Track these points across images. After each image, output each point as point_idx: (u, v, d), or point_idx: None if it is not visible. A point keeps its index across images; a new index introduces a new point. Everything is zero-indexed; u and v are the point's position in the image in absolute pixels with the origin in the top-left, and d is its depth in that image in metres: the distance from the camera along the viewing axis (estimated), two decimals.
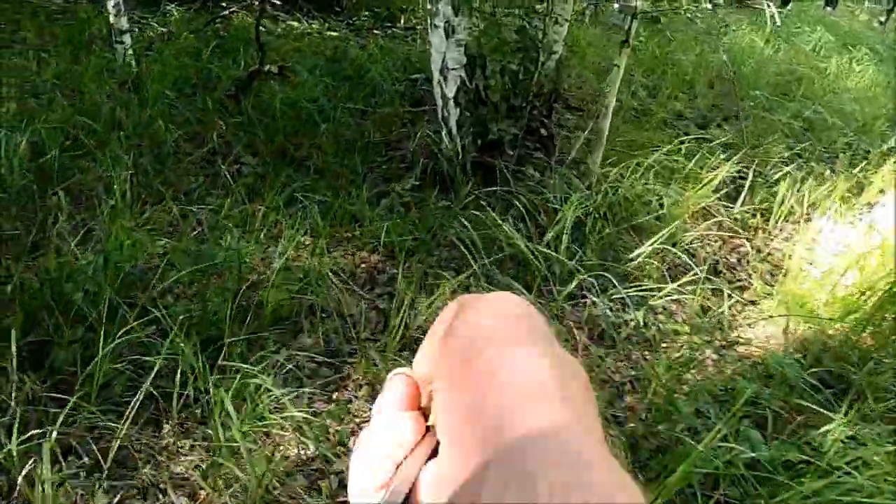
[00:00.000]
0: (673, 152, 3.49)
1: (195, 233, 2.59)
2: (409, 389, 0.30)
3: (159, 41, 5.26)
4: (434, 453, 0.26)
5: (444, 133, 3.11)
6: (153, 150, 3.13)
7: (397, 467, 0.27)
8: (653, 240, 2.26)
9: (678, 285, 2.17)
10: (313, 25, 6.88)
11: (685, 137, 3.74)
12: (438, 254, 2.59)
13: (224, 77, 4.08)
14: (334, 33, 6.56)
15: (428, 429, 0.28)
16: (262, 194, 2.95)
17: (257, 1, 6.74)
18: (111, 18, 4.16)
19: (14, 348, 1.72)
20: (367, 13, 7.21)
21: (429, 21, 2.94)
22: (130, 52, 4.20)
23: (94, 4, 5.63)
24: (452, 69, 2.91)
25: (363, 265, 2.61)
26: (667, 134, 4.26)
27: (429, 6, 2.89)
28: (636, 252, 2.27)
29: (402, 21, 7.62)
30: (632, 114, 4.63)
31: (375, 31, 7.01)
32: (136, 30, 5.30)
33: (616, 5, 7.27)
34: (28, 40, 4.95)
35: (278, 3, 7.09)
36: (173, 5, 6.19)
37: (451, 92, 2.96)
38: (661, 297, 2.17)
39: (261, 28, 4.86)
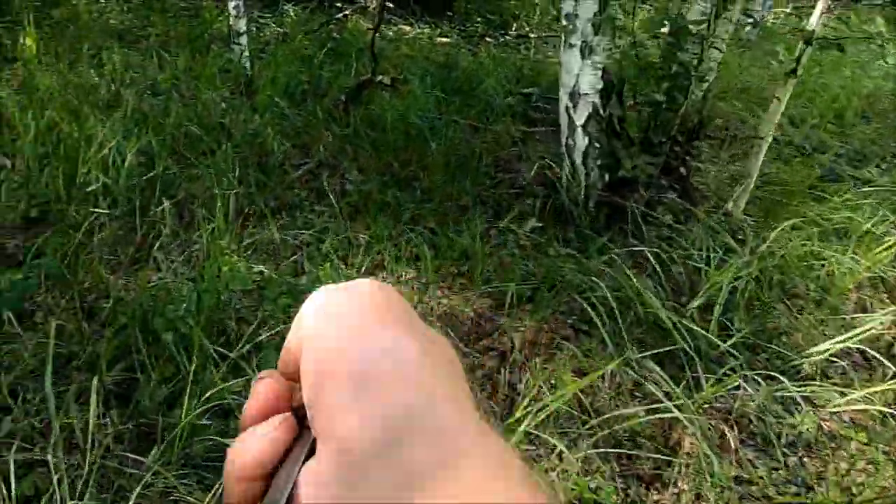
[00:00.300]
0: (828, 198, 2.99)
1: (294, 256, 2.43)
2: (276, 391, 0.29)
3: (274, 42, 5.27)
4: (312, 452, 0.24)
5: (566, 163, 2.79)
6: (260, 161, 3.03)
7: (271, 477, 0.26)
8: (844, 336, 1.83)
9: (866, 392, 1.74)
10: (425, 31, 6.73)
11: (845, 185, 3.21)
12: (555, 306, 2.27)
13: (335, 85, 3.96)
14: (446, 39, 6.37)
15: (304, 428, 0.27)
16: (366, 215, 2.76)
17: (372, 4, 6.71)
18: (231, 20, 4.16)
19: (98, 381, 1.59)
20: (479, 20, 6.97)
21: (562, 38, 2.63)
22: (246, 53, 4.18)
23: (218, 3, 5.78)
24: (585, 94, 2.58)
25: (468, 309, 2.34)
26: (815, 171, 3.70)
27: (564, 22, 2.57)
28: (818, 348, 1.85)
29: (514, 28, 7.34)
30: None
31: (487, 39, 6.76)
32: (254, 29, 5.35)
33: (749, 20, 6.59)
34: (153, 37, 5.10)
35: (391, 5, 7.02)
36: (290, 5, 6.23)
37: (580, 119, 2.63)
38: (842, 406, 1.74)
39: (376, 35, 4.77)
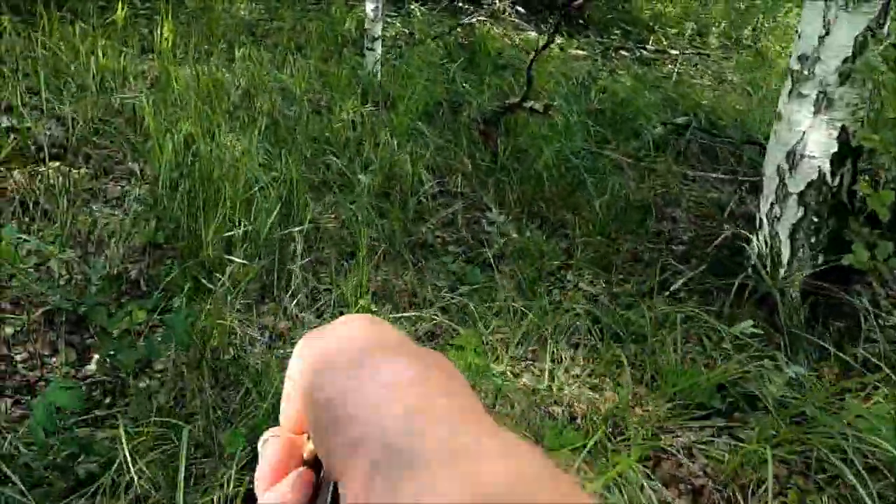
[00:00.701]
0: None
1: (430, 326, 2.08)
2: (283, 449, 0.28)
3: (403, 45, 4.99)
4: (336, 498, 0.24)
5: (762, 233, 2.29)
6: (398, 191, 2.70)
7: None
8: None
9: None
10: (557, 40, 6.28)
11: None
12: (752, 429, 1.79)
13: (474, 104, 3.59)
14: (581, 52, 5.89)
15: (321, 477, 0.26)
16: (513, 273, 2.38)
17: (503, 9, 6.32)
18: (366, 23, 3.88)
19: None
20: (616, 31, 6.42)
21: (788, 84, 2.12)
22: (379, 60, 3.90)
23: (349, 0, 5.57)
24: (810, 156, 2.07)
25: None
26: None
27: (795, 66, 2.07)
28: None
29: (652, 42, 6.74)
30: None
31: (623, 52, 6.23)
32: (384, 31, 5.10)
33: None
34: (282, 31, 4.95)
35: (521, 10, 6.59)
36: (416, 4, 5.94)
37: (797, 185, 2.12)
38: None
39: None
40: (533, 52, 3.24)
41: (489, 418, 0.23)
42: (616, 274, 2.47)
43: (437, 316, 2.10)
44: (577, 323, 2.09)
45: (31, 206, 2.42)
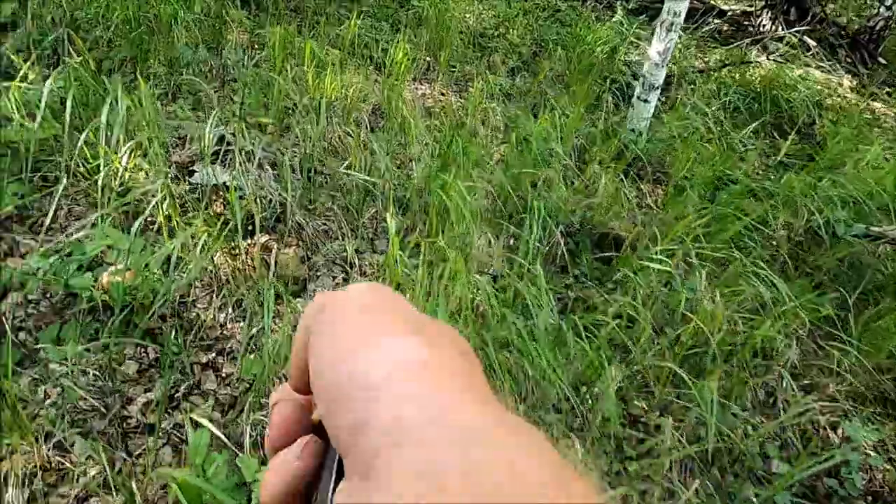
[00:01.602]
0: None
1: None
2: (292, 414, 0.27)
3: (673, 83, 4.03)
4: (341, 471, 0.22)
5: None
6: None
7: (308, 500, 0.26)
8: None
9: None
10: (842, 80, 4.91)
11: None
12: None
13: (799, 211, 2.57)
14: (879, 106, 4.51)
15: (328, 446, 0.26)
16: None
17: (781, 38, 5.06)
18: (646, 67, 3.01)
19: None
20: None
21: None
22: (650, 116, 3.02)
23: (600, 11, 4.65)
24: None
25: None
26: None
27: None
28: None
29: None
30: None
31: None
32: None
33: None
34: (517, 49, 4.22)
35: (806, 41, 5.24)
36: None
37: None
38: None
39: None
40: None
41: (496, 401, 0.22)
42: None
43: None
44: None
45: (232, 306, 1.94)
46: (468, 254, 2.04)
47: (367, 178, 2.38)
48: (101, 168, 2.06)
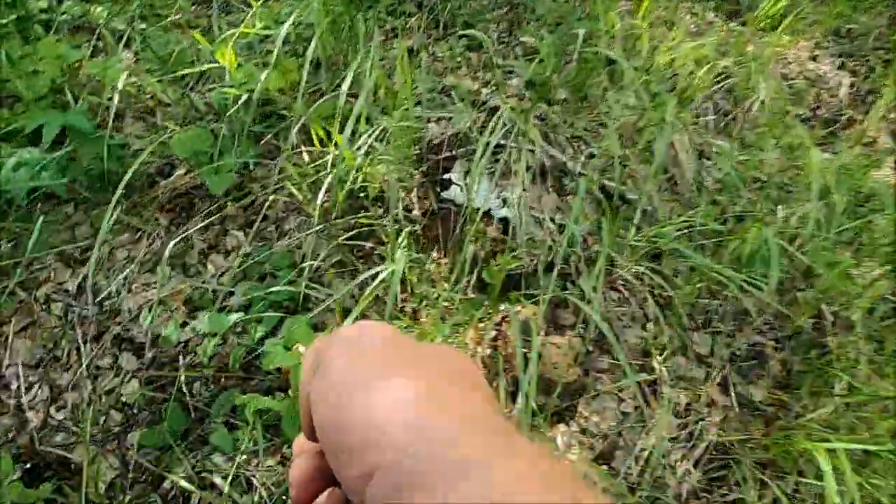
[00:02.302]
0: None
1: None
2: (311, 469, 0.27)
3: None
4: None
5: None
6: None
7: None
8: None
9: None
10: None
11: None
12: None
13: None
14: None
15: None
16: None
17: None
18: None
19: None
20: None
21: None
22: None
23: None
24: None
25: None
26: None
27: None
28: None
29: None
30: None
31: None
32: None
33: None
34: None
35: None
36: None
37: None
38: None
39: None
40: None
41: (498, 421, 0.22)
42: None
43: None
44: None
45: None
46: None
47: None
48: (329, 153, 1.43)
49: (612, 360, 1.38)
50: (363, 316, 1.32)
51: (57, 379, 1.37)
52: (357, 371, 0.24)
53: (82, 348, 1.41)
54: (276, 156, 1.64)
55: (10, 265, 1.54)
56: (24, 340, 1.43)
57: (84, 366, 1.38)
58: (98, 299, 1.49)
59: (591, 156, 1.66)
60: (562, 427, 1.32)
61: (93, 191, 1.62)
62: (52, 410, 1.33)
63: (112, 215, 1.39)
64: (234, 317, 1.22)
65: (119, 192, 1.40)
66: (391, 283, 1.01)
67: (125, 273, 1.52)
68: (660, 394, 1.34)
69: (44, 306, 1.49)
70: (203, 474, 1.23)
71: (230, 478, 1.18)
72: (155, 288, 1.48)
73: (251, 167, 1.65)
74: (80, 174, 1.59)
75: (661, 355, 1.38)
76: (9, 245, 1.57)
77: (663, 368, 1.35)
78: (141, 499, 1.21)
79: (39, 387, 1.36)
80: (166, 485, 1.23)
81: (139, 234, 1.61)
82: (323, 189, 1.37)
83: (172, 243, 1.46)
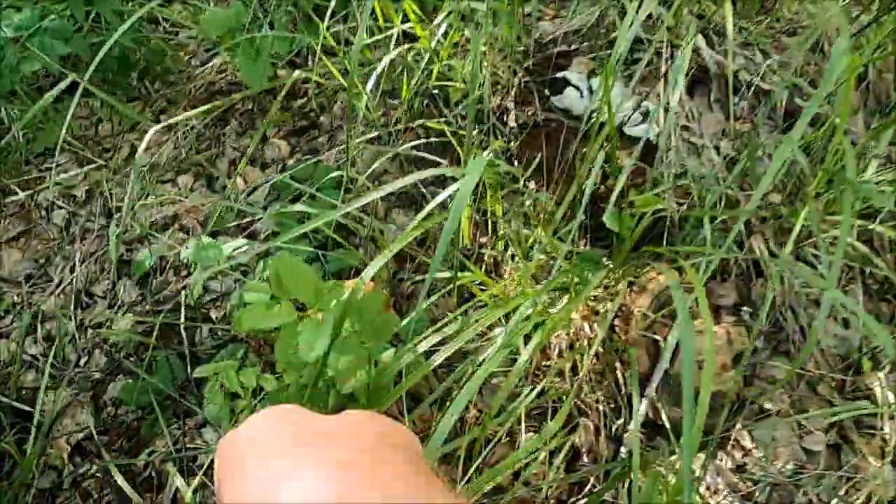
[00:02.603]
0: None
1: None
2: None
3: None
4: None
5: None
6: None
7: None
8: None
9: None
10: None
11: None
12: None
13: None
14: None
15: None
16: None
17: None
18: None
19: None
20: None
21: None
22: None
23: None
24: None
25: None
26: None
27: None
28: None
29: None
30: None
31: None
32: None
33: None
34: None
35: None
36: None
37: None
38: None
39: None
40: None
41: (419, 489, 0.21)
42: None
43: None
44: None
45: None
46: None
47: None
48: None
49: (789, 366, 0.89)
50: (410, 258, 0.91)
51: (41, 303, 1.10)
52: (261, 477, 0.22)
53: (77, 268, 1.12)
54: (332, 46, 1.25)
55: (19, 159, 1.27)
56: (13, 251, 1.16)
57: (75, 290, 1.09)
58: (108, 207, 1.20)
59: (779, 65, 1.13)
60: (701, 456, 0.87)
61: (121, 73, 1.31)
62: (28, 342, 1.05)
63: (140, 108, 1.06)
64: (236, 244, 0.86)
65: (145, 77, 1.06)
66: (451, 209, 0.59)
67: (141, 182, 1.20)
68: (874, 428, 0.84)
69: (44, 213, 1.21)
70: (187, 452, 0.90)
71: None
72: (171, 203, 1.16)
73: (303, 57, 1.27)
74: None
75: (878, 368, 0.87)
76: (23, 139, 1.31)
77: (885, 390, 0.84)
78: (107, 477, 0.90)
79: (20, 310, 1.09)
80: (140, 460, 0.91)
81: (166, 137, 1.29)
82: (373, 77, 0.96)
83: (197, 151, 1.12)
